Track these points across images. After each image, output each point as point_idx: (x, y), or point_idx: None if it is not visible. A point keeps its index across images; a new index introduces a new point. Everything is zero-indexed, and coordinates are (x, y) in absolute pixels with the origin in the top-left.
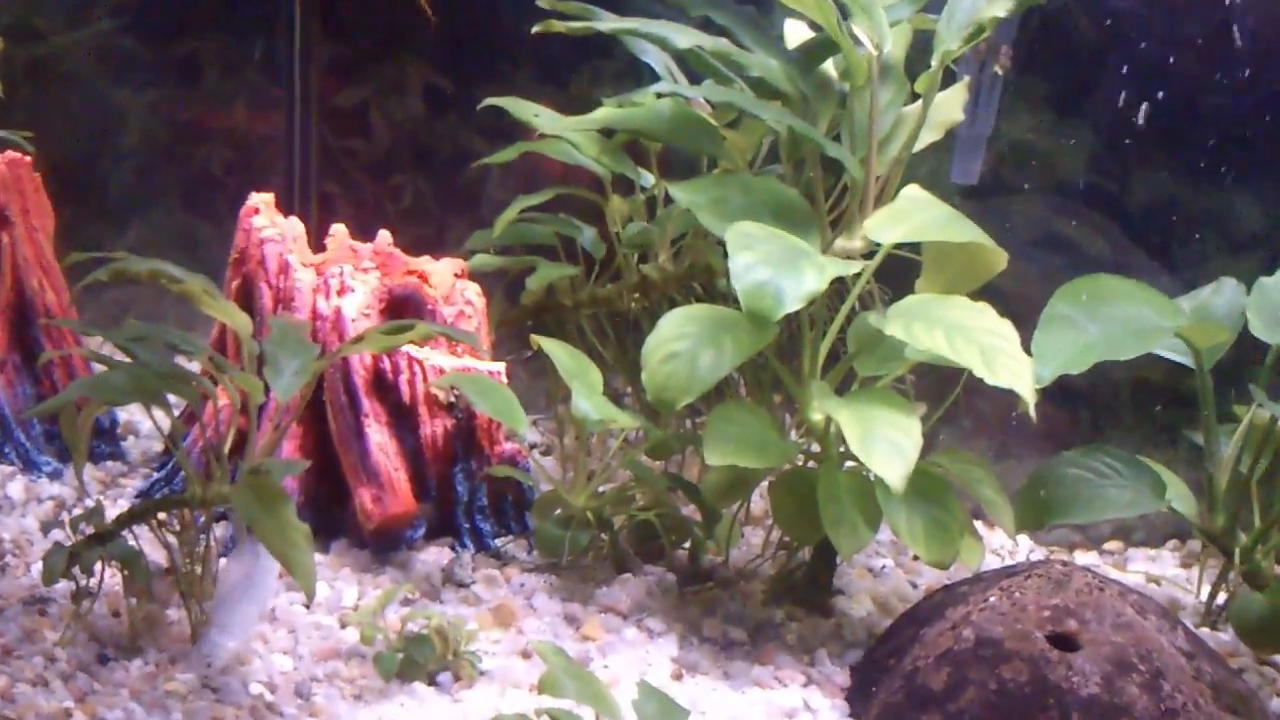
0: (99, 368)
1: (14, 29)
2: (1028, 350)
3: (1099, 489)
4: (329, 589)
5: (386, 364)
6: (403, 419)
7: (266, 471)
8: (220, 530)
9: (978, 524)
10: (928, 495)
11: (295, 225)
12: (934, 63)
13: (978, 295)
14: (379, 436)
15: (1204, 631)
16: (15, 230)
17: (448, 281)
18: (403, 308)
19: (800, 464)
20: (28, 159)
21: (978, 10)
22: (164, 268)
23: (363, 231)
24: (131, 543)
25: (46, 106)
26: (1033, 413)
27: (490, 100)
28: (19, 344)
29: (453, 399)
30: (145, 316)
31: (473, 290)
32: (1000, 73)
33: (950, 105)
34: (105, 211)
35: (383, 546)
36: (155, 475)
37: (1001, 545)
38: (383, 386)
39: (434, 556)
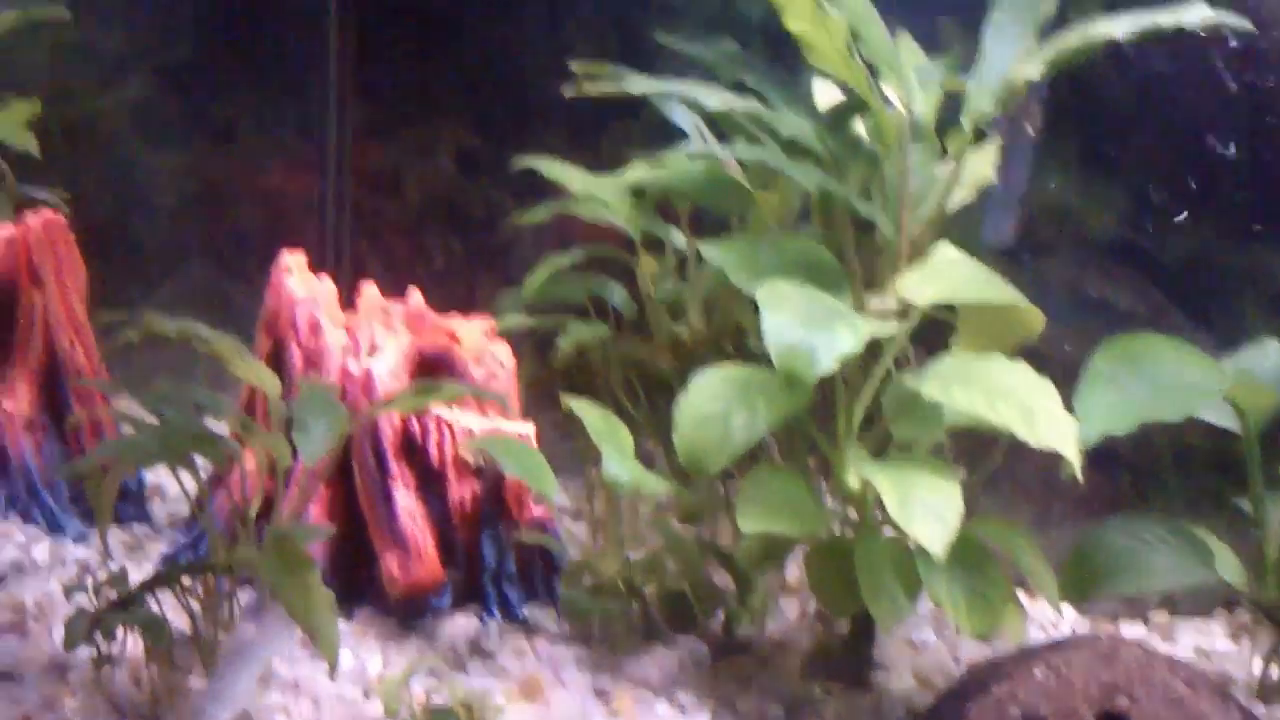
0: (127, 429)
1: (52, 91)
2: (1069, 411)
3: (1145, 558)
4: (353, 658)
5: (415, 426)
6: (431, 482)
7: (291, 536)
8: (245, 596)
9: (1020, 593)
10: (969, 564)
11: (327, 285)
12: (965, 123)
13: (1014, 357)
14: (406, 500)
15: (1258, 707)
16: (48, 289)
17: (478, 341)
18: (433, 368)
19: (837, 531)
20: (62, 218)
21: (1009, 72)
22: (194, 328)
23: (395, 291)
24: (155, 609)
25: (82, 166)
26: (1079, 474)
27: (522, 160)
28: (49, 404)
29: (481, 462)
30: (176, 376)
31: (503, 350)
32: (1031, 132)
33: (982, 165)
34: (138, 271)
35: (408, 614)
36: (180, 539)
37: (1045, 616)
38: (411, 449)
39: (460, 625)
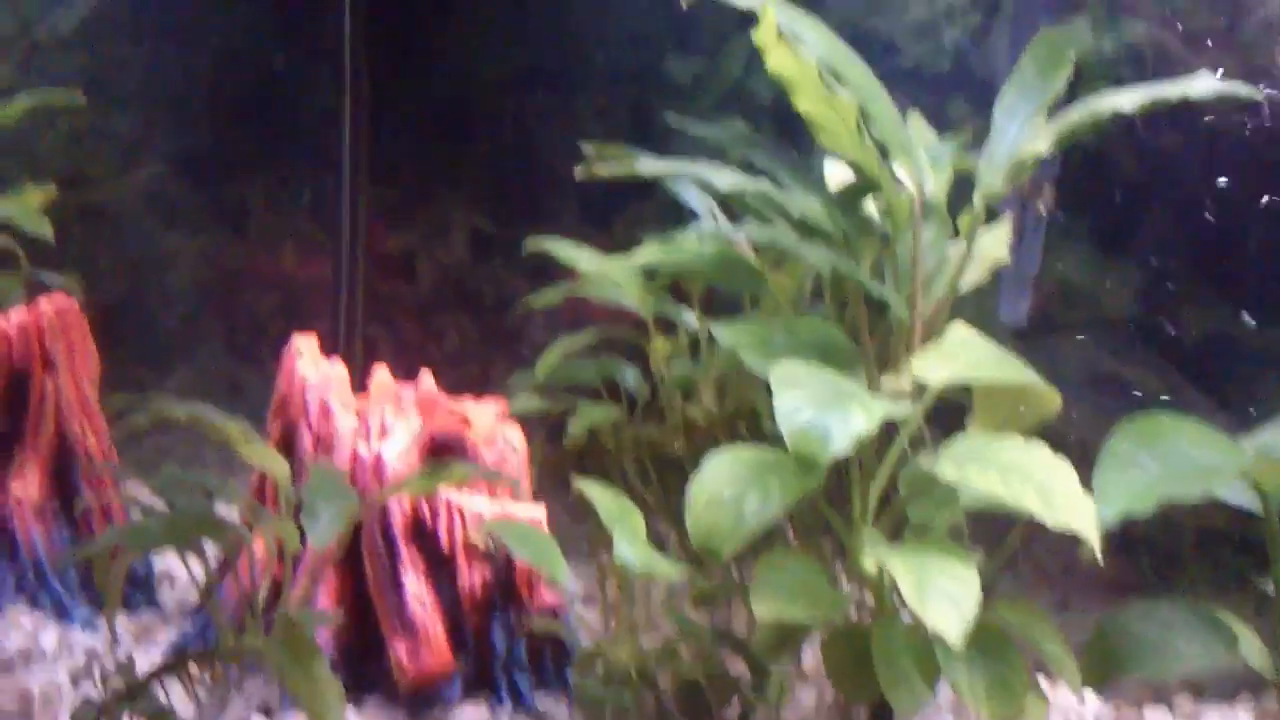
0: (137, 514)
1: (67, 175)
2: (1087, 488)
3: (1167, 642)
4: None
5: (426, 510)
6: (441, 568)
7: (300, 624)
8: (253, 684)
9: (1041, 679)
10: (988, 650)
11: (338, 368)
12: (976, 201)
13: (1031, 437)
14: (416, 586)
15: None
16: (60, 374)
17: (489, 424)
18: (443, 451)
19: (854, 616)
20: (75, 303)
21: (1018, 149)
22: (203, 412)
23: (407, 373)
24: (162, 698)
25: (96, 250)
26: (1099, 555)
27: (534, 241)
28: (59, 489)
29: (492, 547)
30: (187, 461)
31: (514, 433)
32: (1044, 211)
33: (995, 244)
34: (151, 355)
35: (418, 703)
36: (189, 627)
37: (1067, 702)
38: (421, 534)
39: (470, 714)
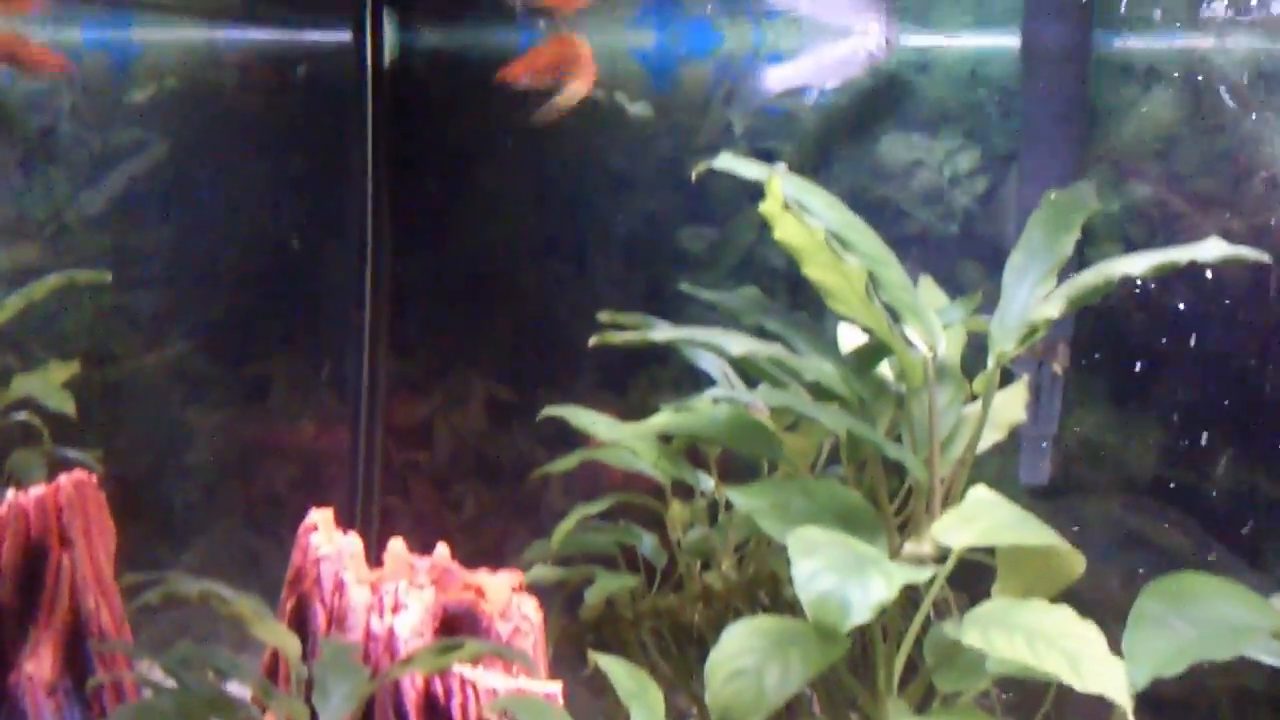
0: (148, 692)
1: (91, 351)
2: (1116, 652)
3: None
4: None
5: (439, 686)
6: None
7: None
8: None
9: None
10: None
11: (353, 542)
12: (990, 363)
13: (1057, 600)
14: None
15: None
16: (76, 550)
17: (504, 596)
18: (457, 624)
19: None
20: (93, 478)
21: (1030, 311)
22: (215, 589)
23: (424, 545)
24: None
25: (117, 426)
26: (1130, 718)
27: (549, 410)
28: (71, 666)
29: None
30: (203, 636)
31: (529, 605)
32: (1059, 371)
33: (1012, 405)
34: (169, 530)
35: None
36: None
37: None
38: (435, 711)
39: None
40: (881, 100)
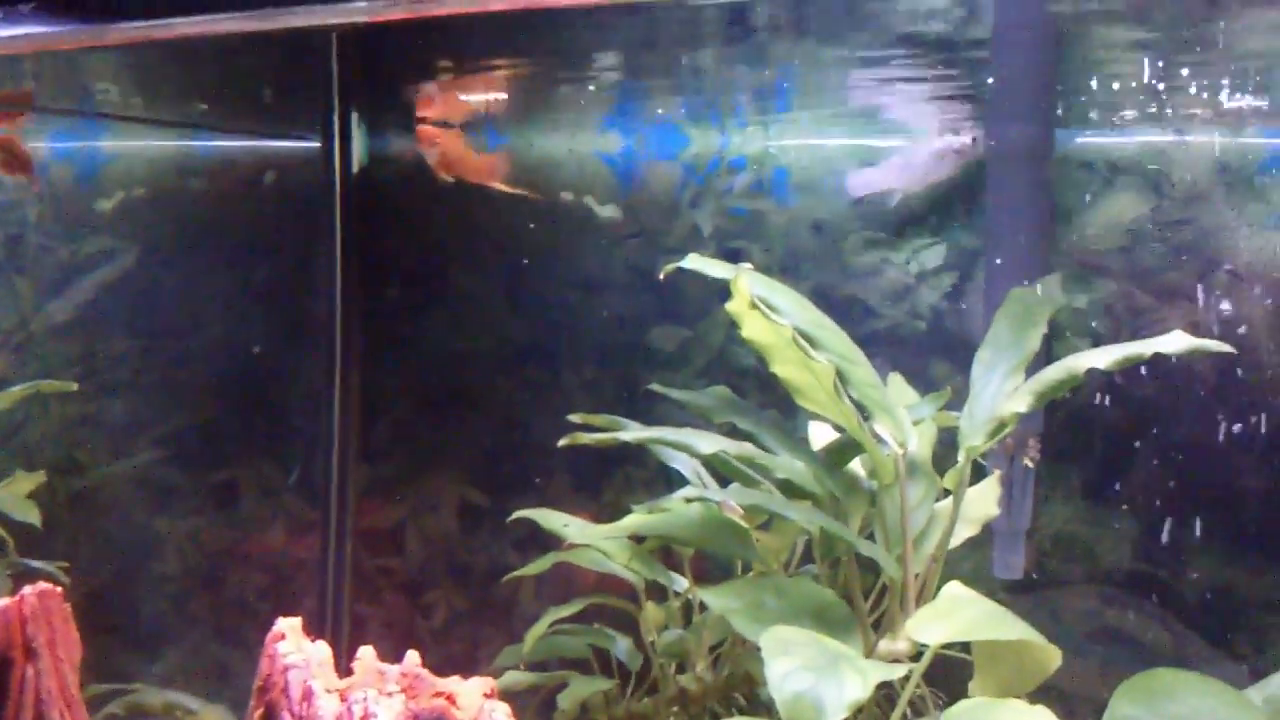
0: None
1: (58, 462)
2: None
3: None
4: None
5: None
6: None
7: None
8: None
9: None
10: None
11: (322, 650)
12: (960, 458)
13: (1035, 695)
14: None
15: None
16: (41, 662)
17: (476, 703)
18: None
19: None
20: (58, 590)
21: (997, 408)
22: (180, 700)
23: (394, 652)
24: None
25: (85, 536)
26: None
27: (520, 513)
28: None
29: None
30: None
31: (502, 711)
32: (1031, 465)
33: (984, 500)
34: (137, 641)
35: None
36: None
37: None
38: None
39: None
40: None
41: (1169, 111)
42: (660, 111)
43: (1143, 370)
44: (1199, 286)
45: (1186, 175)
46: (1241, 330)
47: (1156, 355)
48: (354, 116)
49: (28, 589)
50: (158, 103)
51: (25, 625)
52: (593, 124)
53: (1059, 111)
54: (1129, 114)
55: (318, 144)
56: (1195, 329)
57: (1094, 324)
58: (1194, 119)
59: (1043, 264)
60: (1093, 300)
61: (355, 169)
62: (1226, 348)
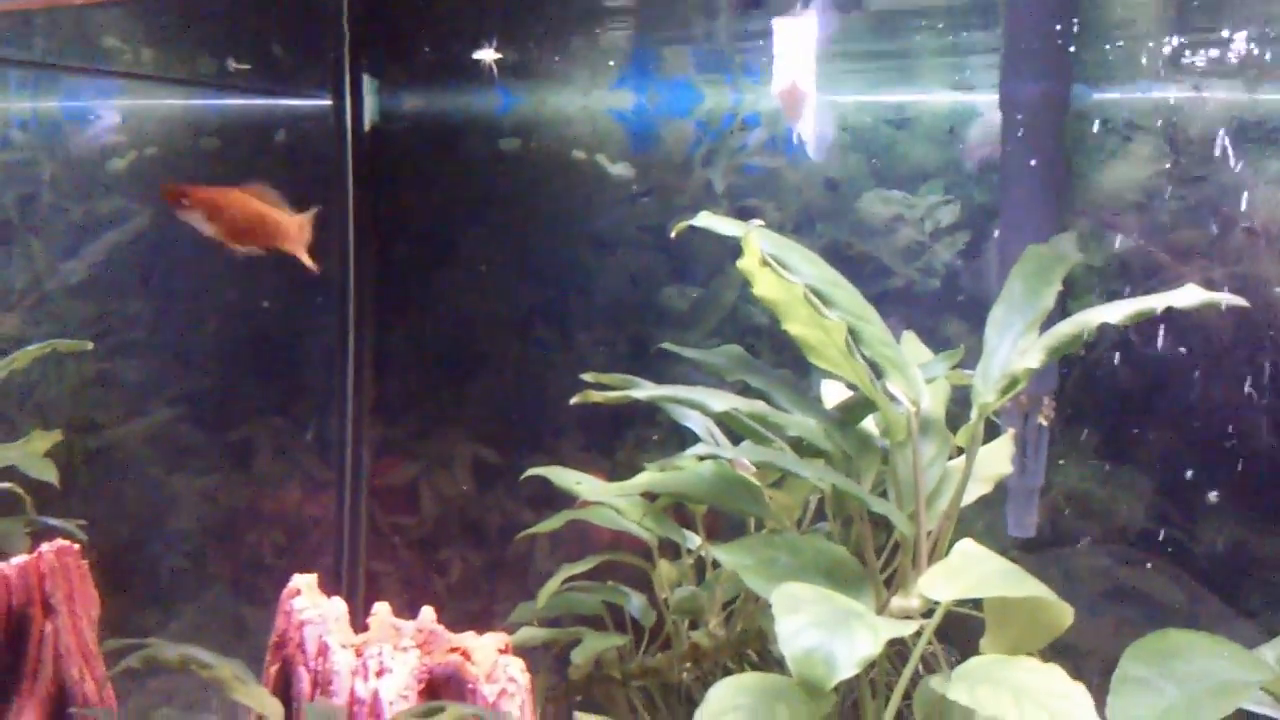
0: None
1: (74, 420)
2: (1102, 713)
3: None
4: None
5: None
6: None
7: None
8: None
9: None
10: None
11: (337, 606)
12: (973, 416)
13: (1047, 652)
14: None
15: None
16: (59, 618)
17: (491, 658)
18: (443, 687)
19: None
20: (76, 547)
21: (1010, 365)
22: (195, 654)
23: (409, 608)
24: None
25: (102, 494)
26: None
27: (533, 471)
28: None
29: None
30: (188, 705)
31: (516, 666)
32: (1045, 424)
33: (997, 458)
34: (155, 597)
35: None
36: None
37: None
38: None
39: None
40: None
41: (1186, 66)
42: (673, 68)
43: (1158, 329)
44: (1215, 243)
45: (1203, 131)
46: (1258, 287)
47: (1169, 310)
48: (365, 74)
49: (46, 546)
50: (169, 61)
51: (44, 582)
52: (605, 80)
53: (1075, 67)
54: (1145, 69)
55: (329, 102)
56: (1211, 286)
57: (1109, 281)
58: (1211, 74)
59: (1058, 221)
60: (1108, 257)
61: (366, 127)
62: (1240, 301)
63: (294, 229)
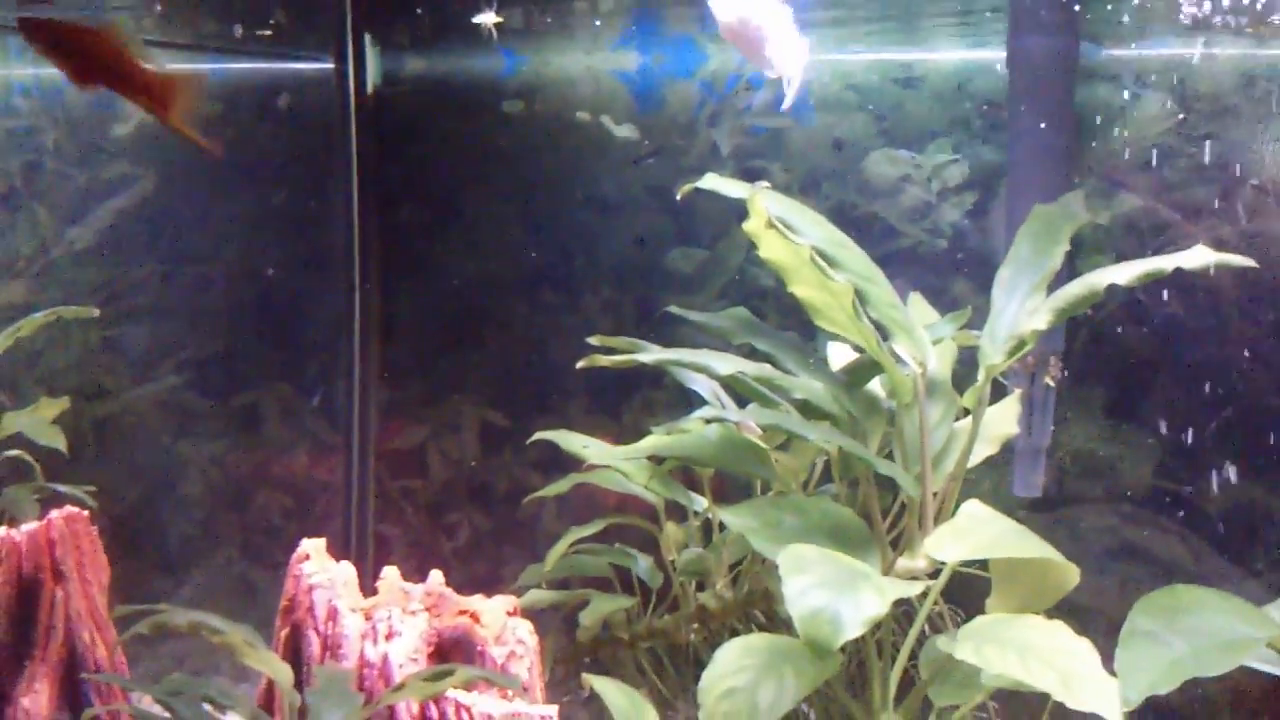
0: None
1: (81, 388)
2: (1110, 669)
3: None
4: None
5: (434, 711)
6: None
7: None
8: None
9: None
10: None
11: (346, 570)
12: (980, 377)
13: (1053, 612)
14: None
15: None
16: (69, 585)
17: (499, 621)
18: (452, 650)
19: None
20: (85, 514)
21: (1017, 325)
22: (205, 619)
23: (418, 571)
24: None
25: (111, 461)
26: None
27: (540, 434)
28: (68, 700)
29: None
30: (201, 668)
31: (525, 629)
32: (1052, 384)
33: (1004, 419)
34: (165, 563)
35: None
36: None
37: None
38: None
39: None
40: None
41: (1196, 22)
42: (677, 27)
43: (1165, 289)
44: (1224, 201)
45: (1213, 89)
46: (1267, 245)
47: (1178, 270)
48: (367, 37)
49: (55, 513)
50: (172, 26)
51: (54, 548)
52: (608, 40)
53: (1083, 24)
54: (1155, 26)
55: (331, 65)
56: (1220, 245)
57: (1118, 240)
58: (1221, 31)
59: (1066, 180)
60: (1116, 216)
61: (369, 90)
62: (1249, 262)
63: (155, 83)
